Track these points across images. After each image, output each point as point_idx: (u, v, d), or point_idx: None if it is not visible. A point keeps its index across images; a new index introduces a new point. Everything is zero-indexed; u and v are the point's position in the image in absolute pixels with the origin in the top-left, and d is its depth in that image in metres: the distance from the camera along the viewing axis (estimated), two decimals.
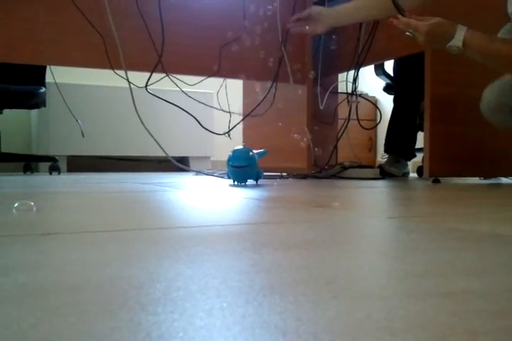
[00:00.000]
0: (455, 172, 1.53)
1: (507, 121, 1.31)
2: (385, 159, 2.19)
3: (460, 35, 1.10)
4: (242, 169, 1.24)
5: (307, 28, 1.46)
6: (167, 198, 0.84)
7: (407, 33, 1.17)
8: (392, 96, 2.28)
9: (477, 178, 1.84)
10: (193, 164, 3.07)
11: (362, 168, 1.87)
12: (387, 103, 3.34)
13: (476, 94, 1.52)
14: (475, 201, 0.85)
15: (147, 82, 1.65)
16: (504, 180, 1.80)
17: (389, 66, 2.30)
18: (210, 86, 2.39)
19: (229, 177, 1.32)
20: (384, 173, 2.04)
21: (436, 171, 1.47)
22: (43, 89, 2.45)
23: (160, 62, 1.65)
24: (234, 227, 0.47)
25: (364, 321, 0.19)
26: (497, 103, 1.29)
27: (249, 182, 1.32)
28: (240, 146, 1.31)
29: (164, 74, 1.73)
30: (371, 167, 1.96)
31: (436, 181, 1.51)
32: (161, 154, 1.73)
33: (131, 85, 1.62)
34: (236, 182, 1.30)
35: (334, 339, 0.17)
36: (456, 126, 1.50)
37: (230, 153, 1.27)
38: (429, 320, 0.19)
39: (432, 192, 1.13)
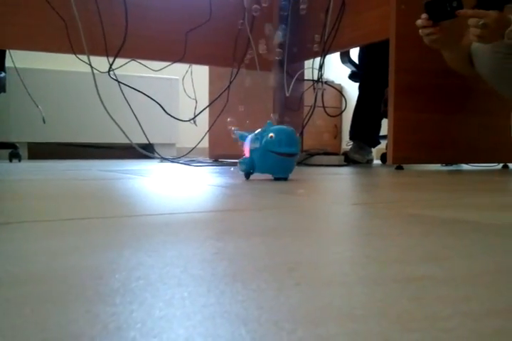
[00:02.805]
0: (418, 159, 1.56)
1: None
2: (350, 146, 2.21)
3: None
4: (292, 158, 0.93)
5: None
6: (131, 186, 0.83)
7: (480, 23, 1.15)
8: (357, 84, 2.30)
9: (439, 165, 1.88)
10: (158, 151, 3.03)
11: (327, 154, 1.89)
12: (352, 91, 3.37)
13: (440, 82, 1.55)
14: (437, 187, 0.86)
15: (110, 67, 1.62)
16: (465, 166, 1.84)
17: (354, 54, 2.31)
18: (175, 72, 2.35)
19: (248, 170, 0.96)
20: (348, 160, 2.06)
21: (399, 158, 1.50)
22: (2, 74, 2.37)
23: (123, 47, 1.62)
24: (198, 215, 0.46)
25: (326, 308, 0.19)
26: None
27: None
28: (274, 125, 0.94)
29: (128, 60, 1.70)
30: (336, 154, 1.97)
31: (399, 168, 1.53)
32: (125, 141, 1.70)
33: (94, 70, 1.59)
34: (275, 177, 0.95)
35: (296, 327, 0.17)
36: (420, 114, 1.52)
37: (271, 134, 0.90)
38: (391, 306, 0.19)
39: (395, 178, 1.14)
